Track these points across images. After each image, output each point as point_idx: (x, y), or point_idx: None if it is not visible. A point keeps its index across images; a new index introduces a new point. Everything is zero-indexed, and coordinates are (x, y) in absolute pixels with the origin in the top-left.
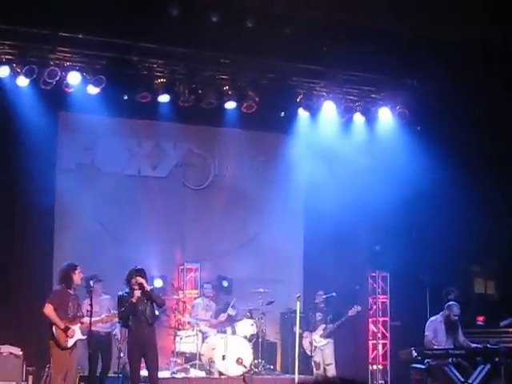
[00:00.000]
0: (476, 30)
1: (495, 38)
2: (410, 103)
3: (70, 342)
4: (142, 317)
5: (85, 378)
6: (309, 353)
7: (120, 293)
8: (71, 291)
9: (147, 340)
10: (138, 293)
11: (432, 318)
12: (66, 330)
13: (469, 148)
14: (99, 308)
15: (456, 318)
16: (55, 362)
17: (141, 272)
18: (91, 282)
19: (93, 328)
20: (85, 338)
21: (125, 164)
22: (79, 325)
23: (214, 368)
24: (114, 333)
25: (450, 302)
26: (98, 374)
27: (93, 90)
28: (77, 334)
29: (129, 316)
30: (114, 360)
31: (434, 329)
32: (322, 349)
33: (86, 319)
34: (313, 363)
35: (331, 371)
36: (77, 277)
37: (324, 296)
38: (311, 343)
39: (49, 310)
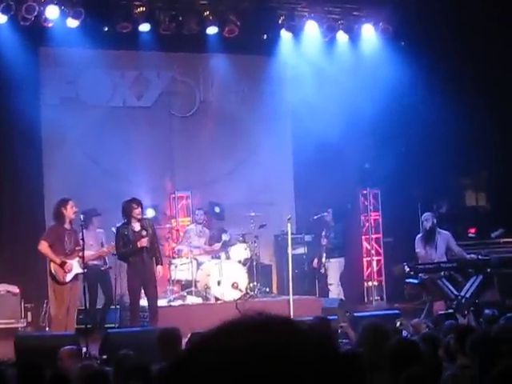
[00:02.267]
0: None
1: None
2: (393, 19)
3: (68, 277)
4: (142, 249)
5: (83, 312)
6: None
7: (118, 225)
8: (66, 226)
9: (147, 271)
10: (137, 226)
11: (419, 235)
12: (62, 264)
13: (453, 59)
14: (94, 241)
15: (428, 225)
16: (56, 298)
17: (139, 203)
18: (82, 217)
19: (91, 262)
20: (84, 271)
21: (109, 96)
22: (77, 259)
23: (210, 294)
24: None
25: (422, 217)
26: (100, 307)
27: (72, 23)
28: (75, 268)
29: (131, 253)
30: None
31: (421, 244)
32: (326, 267)
33: (86, 253)
34: None
35: (332, 290)
36: (69, 211)
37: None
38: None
39: (43, 246)
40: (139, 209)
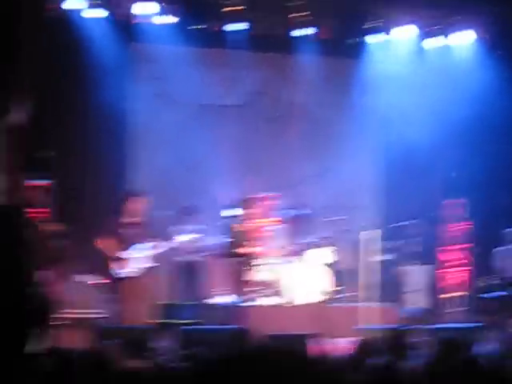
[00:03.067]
0: None
1: None
2: (491, 27)
3: (126, 272)
4: None
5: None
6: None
7: None
8: (132, 219)
9: None
10: None
11: (500, 248)
12: (117, 259)
13: None
14: None
15: None
16: (119, 292)
17: None
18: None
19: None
20: (150, 265)
21: (198, 93)
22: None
23: (290, 296)
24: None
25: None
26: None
27: (165, 19)
28: (137, 262)
29: None
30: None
31: (502, 258)
32: (410, 274)
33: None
34: None
35: (416, 298)
36: (130, 206)
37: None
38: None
39: (97, 241)
40: None
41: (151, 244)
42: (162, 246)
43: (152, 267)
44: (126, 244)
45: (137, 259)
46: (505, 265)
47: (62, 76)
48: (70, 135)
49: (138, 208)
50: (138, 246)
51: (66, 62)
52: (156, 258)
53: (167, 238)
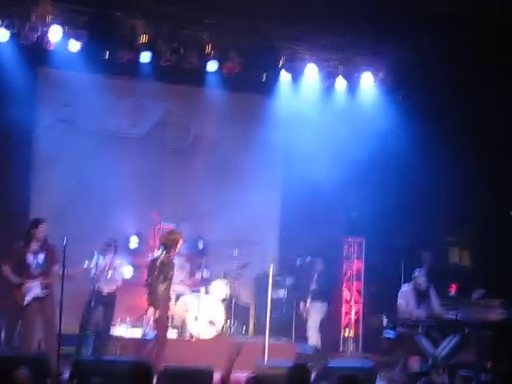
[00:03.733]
0: (465, 4)
1: (486, 12)
2: (393, 70)
3: (26, 300)
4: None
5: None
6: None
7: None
8: (33, 246)
9: None
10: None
11: (404, 287)
12: (19, 286)
13: (449, 117)
14: None
15: (422, 287)
16: (21, 321)
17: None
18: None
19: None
20: (45, 294)
21: (104, 121)
22: (39, 280)
23: (187, 329)
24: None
25: (415, 274)
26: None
27: (74, 46)
28: (33, 290)
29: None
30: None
31: (405, 297)
32: (308, 311)
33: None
34: None
35: (310, 335)
36: (37, 233)
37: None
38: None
39: (3, 269)
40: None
41: (55, 271)
42: (67, 274)
43: (39, 296)
44: (31, 271)
45: (40, 286)
46: (407, 304)
47: None
48: None
49: (44, 234)
50: (41, 271)
51: None
52: (51, 285)
53: (72, 265)
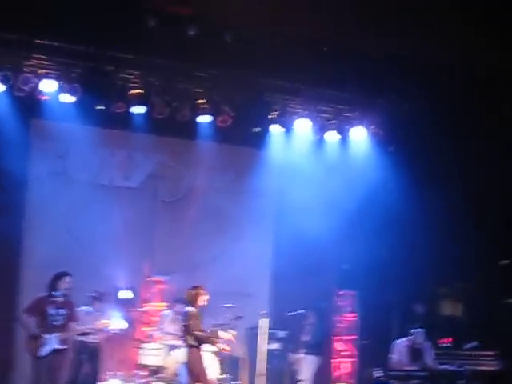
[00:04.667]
0: (456, 55)
1: (476, 63)
2: (384, 123)
3: (43, 352)
4: None
5: None
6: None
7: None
8: (56, 299)
9: None
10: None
11: (398, 341)
12: (36, 338)
13: (441, 171)
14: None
15: (419, 346)
16: (32, 372)
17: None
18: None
19: (79, 338)
20: (64, 347)
21: (97, 173)
22: (59, 334)
23: (180, 381)
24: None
25: (415, 330)
26: None
27: (67, 98)
28: (51, 343)
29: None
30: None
31: (400, 352)
32: (300, 364)
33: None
34: None
35: None
36: (60, 286)
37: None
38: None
39: (20, 317)
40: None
41: (73, 326)
42: (77, 329)
43: (58, 348)
44: (51, 323)
45: (59, 339)
46: (401, 358)
47: None
48: None
49: (68, 287)
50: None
51: None
52: (69, 340)
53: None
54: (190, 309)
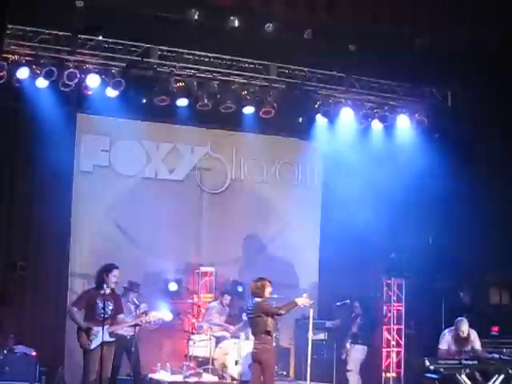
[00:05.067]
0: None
1: None
2: (429, 111)
3: (93, 344)
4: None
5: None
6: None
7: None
8: (105, 291)
9: None
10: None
11: (445, 331)
12: (87, 331)
13: (487, 157)
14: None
15: (463, 334)
16: (83, 364)
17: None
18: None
19: (118, 331)
20: (112, 340)
21: (142, 167)
22: (107, 326)
23: (227, 373)
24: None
25: (458, 319)
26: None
27: (111, 92)
28: (100, 335)
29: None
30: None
31: (447, 342)
32: (348, 354)
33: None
34: None
35: (350, 378)
36: (109, 279)
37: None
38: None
39: (69, 310)
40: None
41: (121, 318)
42: (122, 322)
43: (109, 341)
44: (100, 316)
45: (108, 332)
46: (449, 347)
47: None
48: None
49: (116, 280)
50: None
51: (14, 129)
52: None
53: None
54: (259, 299)
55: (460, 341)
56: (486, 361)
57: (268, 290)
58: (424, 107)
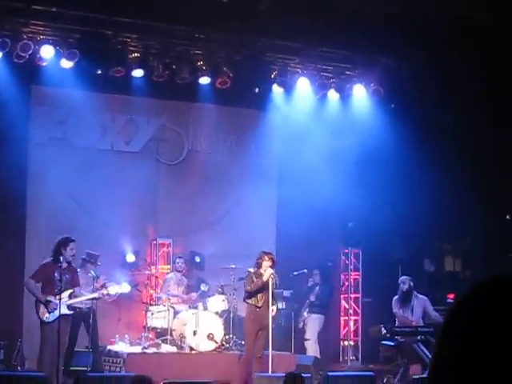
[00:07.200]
0: (452, 11)
1: (474, 19)
2: (385, 81)
3: (51, 317)
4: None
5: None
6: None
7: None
8: (62, 264)
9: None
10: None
11: (395, 297)
12: (46, 303)
13: (442, 127)
14: (85, 282)
15: (405, 288)
16: (41, 337)
17: (271, 254)
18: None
19: (75, 304)
20: (70, 312)
21: (98, 138)
22: (66, 299)
23: (185, 343)
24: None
25: (401, 277)
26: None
27: (66, 63)
28: (58, 308)
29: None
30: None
31: (396, 305)
32: (305, 322)
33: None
34: None
35: (308, 346)
36: (66, 252)
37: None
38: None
39: (27, 283)
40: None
41: (71, 291)
42: (81, 295)
43: (68, 314)
44: (57, 288)
45: (61, 305)
46: (402, 312)
47: None
48: None
49: (73, 254)
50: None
51: None
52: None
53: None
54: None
55: (402, 297)
56: (441, 327)
57: (265, 265)
58: (379, 77)
